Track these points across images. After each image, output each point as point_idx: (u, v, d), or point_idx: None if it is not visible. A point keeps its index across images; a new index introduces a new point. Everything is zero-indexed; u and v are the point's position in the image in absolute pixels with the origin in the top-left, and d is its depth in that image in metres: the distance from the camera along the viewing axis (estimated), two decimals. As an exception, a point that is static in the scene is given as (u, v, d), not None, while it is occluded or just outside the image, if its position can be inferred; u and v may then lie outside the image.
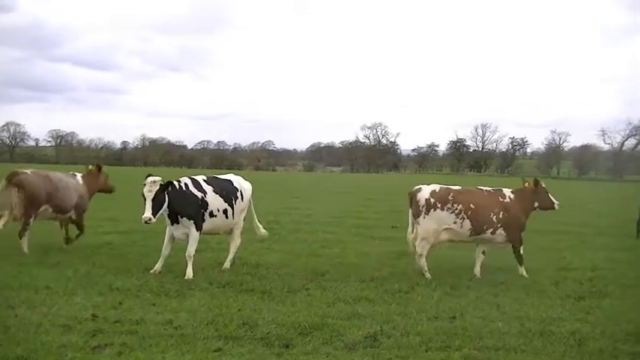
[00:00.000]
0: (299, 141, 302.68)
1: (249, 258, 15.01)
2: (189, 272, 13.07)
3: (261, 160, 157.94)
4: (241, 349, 8.47)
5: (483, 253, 14.70)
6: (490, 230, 14.37)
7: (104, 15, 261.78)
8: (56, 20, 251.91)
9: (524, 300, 11.91)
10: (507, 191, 14.90)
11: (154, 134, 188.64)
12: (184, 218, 13.41)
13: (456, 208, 14.18)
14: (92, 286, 11.69)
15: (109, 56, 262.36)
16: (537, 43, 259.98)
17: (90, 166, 17.46)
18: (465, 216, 14.19)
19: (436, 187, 14.58)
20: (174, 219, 13.35)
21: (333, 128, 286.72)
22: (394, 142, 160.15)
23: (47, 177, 15.62)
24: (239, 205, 14.63)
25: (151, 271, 13.23)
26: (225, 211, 14.16)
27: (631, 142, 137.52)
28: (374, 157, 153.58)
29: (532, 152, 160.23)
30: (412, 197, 14.56)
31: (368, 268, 14.40)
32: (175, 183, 13.34)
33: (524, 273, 14.35)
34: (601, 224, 20.44)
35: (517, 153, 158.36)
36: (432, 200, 14.21)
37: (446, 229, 14.27)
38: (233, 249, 14.63)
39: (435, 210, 14.17)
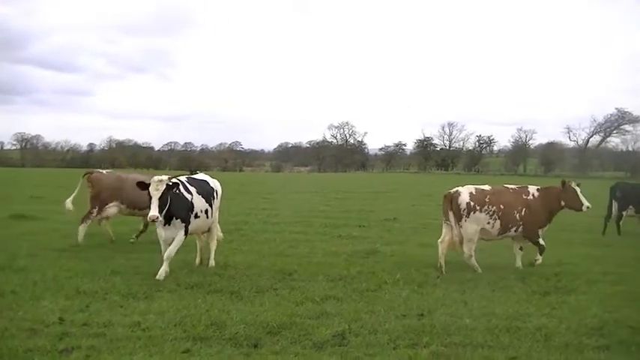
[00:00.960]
0: (266, 141, 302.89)
1: (217, 258, 14.97)
2: (162, 273, 12.98)
3: (229, 160, 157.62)
4: (210, 349, 8.47)
5: (521, 249, 15.19)
6: (514, 228, 14.88)
7: (68, 17, 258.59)
8: (19, 21, 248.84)
9: (491, 296, 12.01)
10: (533, 189, 15.28)
11: (120, 136, 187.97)
12: (178, 220, 13.39)
13: (491, 210, 14.65)
14: (59, 290, 11.59)
15: (73, 58, 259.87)
16: (503, 42, 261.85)
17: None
18: (497, 217, 14.68)
19: (472, 188, 14.95)
20: (167, 220, 13.25)
21: (301, 128, 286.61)
22: (361, 141, 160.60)
23: (119, 177, 17.72)
24: (216, 204, 14.83)
25: (157, 276, 13.02)
26: (206, 212, 14.24)
27: (595, 140, 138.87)
28: (341, 156, 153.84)
29: (499, 150, 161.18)
30: (452, 200, 14.80)
31: (336, 267, 14.43)
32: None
33: (540, 261, 14.98)
34: (566, 220, 20.59)
35: (484, 151, 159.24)
36: (472, 203, 14.60)
37: (481, 229, 14.71)
38: (214, 247, 14.87)
39: (474, 212, 14.57)
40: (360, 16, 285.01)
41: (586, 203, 14.71)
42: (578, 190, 14.87)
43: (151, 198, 12.73)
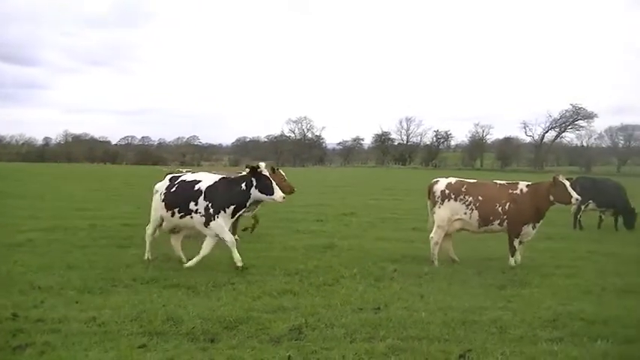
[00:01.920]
0: (224, 135, 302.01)
1: (173, 253, 14.92)
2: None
3: (187, 155, 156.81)
4: (166, 344, 8.44)
5: (520, 242, 15.23)
6: (497, 222, 15.02)
7: (25, 9, 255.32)
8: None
9: (448, 290, 12.14)
10: (523, 184, 15.34)
11: (77, 130, 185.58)
12: None
13: (467, 200, 15.01)
14: (13, 285, 11.50)
15: (30, 51, 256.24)
16: (460, 38, 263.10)
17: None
18: (474, 207, 14.97)
19: (452, 179, 15.50)
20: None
21: (259, 122, 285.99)
22: (320, 135, 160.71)
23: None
24: None
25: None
26: None
27: (551, 135, 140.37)
28: (299, 151, 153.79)
29: (456, 145, 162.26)
30: (430, 189, 15.50)
31: (293, 261, 14.44)
32: None
33: (513, 263, 14.88)
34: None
35: (441, 146, 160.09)
36: (447, 191, 15.16)
37: (457, 219, 15.10)
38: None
39: (448, 200, 15.10)
40: (318, 10, 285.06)
41: (575, 195, 14.82)
42: (567, 183, 14.96)
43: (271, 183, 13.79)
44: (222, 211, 13.75)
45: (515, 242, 14.94)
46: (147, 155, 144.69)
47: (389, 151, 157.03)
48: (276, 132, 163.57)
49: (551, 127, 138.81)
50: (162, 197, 14.13)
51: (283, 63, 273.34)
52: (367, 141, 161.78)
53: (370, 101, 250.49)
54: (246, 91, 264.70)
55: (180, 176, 14.48)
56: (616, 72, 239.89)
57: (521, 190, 15.06)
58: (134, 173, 71.27)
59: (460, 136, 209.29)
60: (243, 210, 14.58)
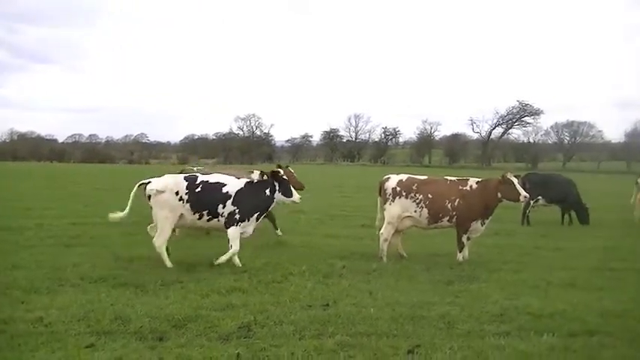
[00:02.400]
0: (172, 133, 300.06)
1: (122, 252, 14.83)
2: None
3: (135, 153, 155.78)
4: (114, 343, 8.36)
5: (468, 238, 15.34)
6: (447, 218, 15.13)
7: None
8: None
9: (396, 286, 12.20)
10: (473, 181, 15.45)
11: (22, 128, 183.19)
12: None
13: (418, 197, 15.07)
14: (-44, 286, 11.30)
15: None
16: (408, 35, 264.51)
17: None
18: (424, 205, 15.05)
19: (403, 176, 15.54)
20: None
21: (207, 120, 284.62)
22: (268, 133, 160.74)
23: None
24: None
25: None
26: None
27: (498, 131, 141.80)
28: (248, 148, 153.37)
29: (404, 142, 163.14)
30: (381, 185, 15.54)
31: (242, 259, 14.33)
32: None
33: (461, 259, 15.03)
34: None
35: (390, 143, 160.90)
36: (398, 189, 15.18)
37: (408, 216, 15.18)
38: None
39: (399, 198, 15.14)
40: (266, 8, 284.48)
41: (523, 193, 14.92)
42: (515, 180, 15.05)
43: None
44: (246, 220, 14.03)
45: (464, 238, 15.07)
46: (94, 153, 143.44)
47: (337, 148, 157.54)
48: (225, 130, 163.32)
49: (498, 124, 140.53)
50: (187, 198, 13.83)
51: (231, 60, 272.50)
52: (316, 138, 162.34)
53: (319, 98, 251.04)
54: (195, 89, 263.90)
55: (195, 176, 14.37)
56: (561, 69, 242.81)
57: (470, 186, 15.19)
58: (81, 172, 70.62)
59: (408, 132, 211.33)
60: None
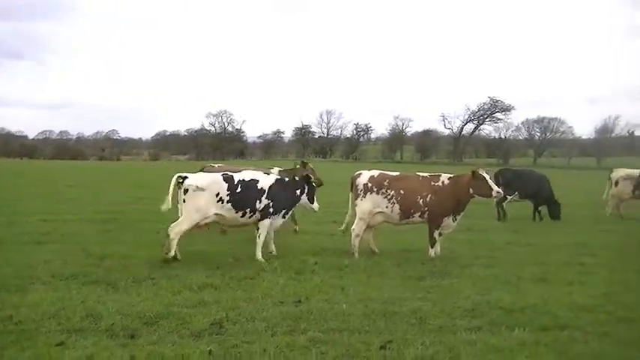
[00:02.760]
0: (144, 129, 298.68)
1: (93, 249, 14.75)
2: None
3: (106, 149, 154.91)
4: (85, 341, 8.31)
5: (440, 234, 15.37)
6: (418, 214, 15.14)
7: None
8: None
9: (368, 282, 12.23)
10: (445, 177, 15.45)
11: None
12: None
13: (389, 193, 15.08)
14: None
15: None
16: (378, 32, 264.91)
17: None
18: (395, 201, 15.06)
19: (375, 172, 15.57)
20: None
21: (179, 116, 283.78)
22: (240, 129, 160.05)
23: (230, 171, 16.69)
24: None
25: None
26: None
27: (469, 127, 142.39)
28: (220, 144, 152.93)
29: (376, 138, 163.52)
30: (352, 181, 15.61)
31: (214, 255, 14.37)
32: None
33: (433, 254, 15.03)
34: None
35: (361, 139, 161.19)
36: (369, 184, 15.21)
37: (379, 212, 15.19)
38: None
39: (370, 193, 15.18)
40: (236, 2, 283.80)
41: (496, 188, 14.94)
42: (487, 176, 15.07)
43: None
44: (279, 213, 14.84)
45: (436, 234, 15.10)
46: (65, 150, 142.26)
47: (309, 144, 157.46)
48: (196, 126, 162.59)
49: (470, 120, 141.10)
50: (227, 199, 14.22)
51: (202, 56, 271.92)
52: (288, 134, 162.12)
53: (290, 94, 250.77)
54: (166, 84, 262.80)
55: (231, 175, 14.66)
56: (532, 66, 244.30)
57: (442, 182, 15.18)
58: (52, 168, 70.13)
59: (380, 129, 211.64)
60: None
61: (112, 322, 9.03)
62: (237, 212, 14.32)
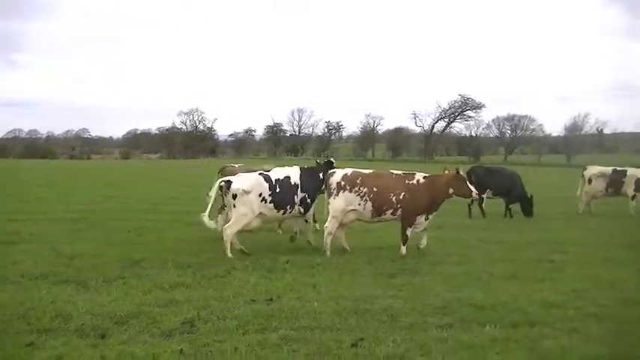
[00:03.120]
0: (115, 128, 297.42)
1: (63, 248, 14.67)
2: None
3: (76, 148, 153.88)
4: (55, 341, 8.26)
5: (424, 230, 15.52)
6: (390, 211, 15.13)
7: None
8: None
9: (339, 280, 12.25)
10: (419, 175, 15.46)
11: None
12: None
13: (362, 191, 15.08)
14: None
15: None
16: (349, 30, 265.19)
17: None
18: (368, 198, 15.04)
19: (348, 170, 15.56)
20: None
21: (150, 114, 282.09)
22: (211, 127, 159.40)
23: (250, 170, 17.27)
24: None
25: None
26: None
27: (440, 125, 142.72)
28: (191, 143, 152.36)
29: (348, 136, 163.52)
30: (326, 180, 15.60)
31: (185, 254, 14.34)
32: None
33: (404, 252, 15.02)
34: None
35: (333, 137, 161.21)
36: (343, 183, 15.18)
37: (352, 209, 15.18)
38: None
39: (343, 192, 15.15)
40: (207, 3, 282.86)
41: (475, 191, 15.07)
42: (466, 178, 15.18)
43: None
44: (315, 199, 15.95)
45: (408, 231, 15.12)
46: (35, 149, 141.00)
47: (281, 143, 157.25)
48: (168, 124, 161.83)
49: (441, 118, 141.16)
50: (270, 199, 14.94)
51: (172, 54, 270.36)
52: (259, 132, 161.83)
53: (262, 92, 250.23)
54: (136, 83, 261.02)
55: (269, 175, 15.35)
56: (502, 63, 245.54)
57: (417, 180, 15.21)
58: (21, 167, 69.61)
59: (351, 126, 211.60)
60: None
61: (82, 322, 8.99)
62: (278, 211, 15.17)
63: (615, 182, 26.58)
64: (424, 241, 15.47)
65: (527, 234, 19.67)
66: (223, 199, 15.44)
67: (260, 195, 14.70)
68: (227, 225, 14.67)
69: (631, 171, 26.70)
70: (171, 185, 40.79)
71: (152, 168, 77.36)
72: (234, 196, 14.62)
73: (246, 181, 14.85)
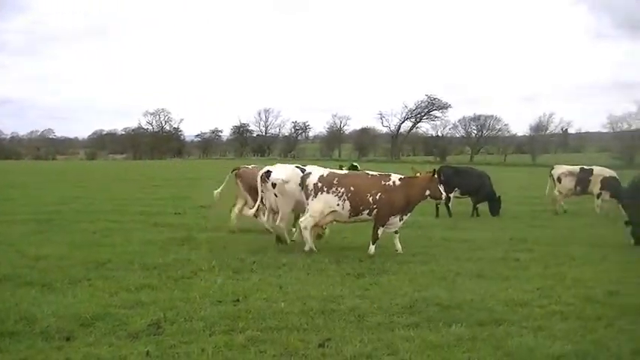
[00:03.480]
0: (80, 129, 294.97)
1: (27, 250, 14.55)
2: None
3: (41, 149, 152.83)
4: (19, 345, 8.15)
5: (396, 232, 15.68)
6: (367, 211, 15.20)
7: None
8: None
9: (306, 280, 12.23)
10: (395, 177, 15.55)
11: None
12: None
13: (339, 191, 15.07)
14: None
15: None
16: (316, 30, 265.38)
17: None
18: (346, 198, 15.04)
19: (325, 171, 15.63)
20: None
21: (116, 115, 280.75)
22: (177, 128, 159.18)
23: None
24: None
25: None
26: None
27: (407, 125, 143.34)
28: (157, 143, 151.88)
29: (314, 136, 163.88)
30: (302, 181, 15.52)
31: (151, 255, 14.26)
32: None
33: (373, 251, 15.16)
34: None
35: (300, 137, 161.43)
36: (320, 184, 15.18)
37: (331, 211, 15.20)
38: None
39: (322, 193, 15.14)
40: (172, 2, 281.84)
41: (444, 194, 15.30)
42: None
43: None
44: None
45: (380, 231, 15.19)
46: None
47: (248, 143, 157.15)
48: (134, 124, 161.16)
49: (407, 118, 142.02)
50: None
51: (140, 54, 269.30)
52: (226, 133, 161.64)
53: (229, 93, 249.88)
54: (102, 83, 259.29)
55: (304, 168, 16.26)
56: (468, 64, 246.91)
57: (393, 182, 15.32)
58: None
59: (318, 127, 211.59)
60: None
61: (47, 325, 8.88)
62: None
63: (582, 181, 26.82)
64: (399, 246, 15.54)
65: (492, 232, 19.79)
66: (262, 191, 16.17)
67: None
68: (278, 221, 16.10)
69: (597, 170, 26.96)
70: (137, 186, 40.58)
71: (118, 169, 76.94)
72: (274, 185, 15.73)
73: (285, 172, 16.00)
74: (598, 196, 26.42)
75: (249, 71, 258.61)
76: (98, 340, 8.42)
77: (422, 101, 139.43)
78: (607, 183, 26.19)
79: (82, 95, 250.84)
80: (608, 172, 26.79)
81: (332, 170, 15.86)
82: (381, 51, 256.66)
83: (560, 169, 27.66)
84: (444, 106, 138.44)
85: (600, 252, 16.28)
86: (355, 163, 16.72)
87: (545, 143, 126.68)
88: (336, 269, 13.28)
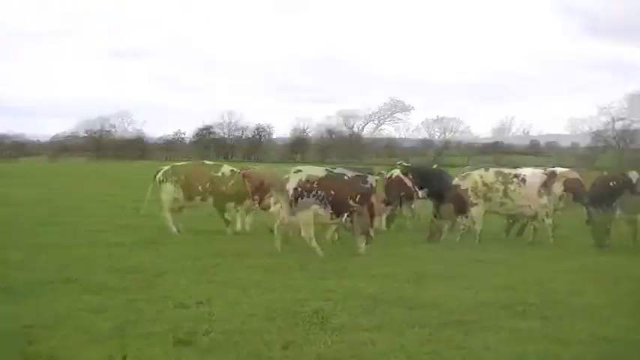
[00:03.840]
0: (42, 131, 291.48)
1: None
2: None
3: (2, 151, 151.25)
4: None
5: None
6: (347, 213, 15.37)
7: None
8: None
9: (270, 282, 12.23)
10: (371, 178, 15.98)
11: None
12: None
13: (320, 195, 15.13)
14: None
15: None
16: (278, 31, 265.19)
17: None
18: (327, 202, 15.15)
19: (303, 175, 15.56)
20: None
21: (78, 117, 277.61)
22: (140, 130, 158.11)
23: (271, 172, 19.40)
24: None
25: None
26: None
27: (370, 127, 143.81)
28: (120, 146, 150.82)
29: (278, 138, 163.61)
30: (282, 185, 15.59)
31: (115, 258, 14.20)
32: None
33: (363, 251, 15.50)
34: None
35: (263, 139, 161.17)
36: (300, 189, 15.21)
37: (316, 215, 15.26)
38: None
39: (301, 198, 15.18)
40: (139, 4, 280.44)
41: (420, 192, 15.57)
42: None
43: None
44: None
45: (363, 231, 15.35)
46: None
47: (211, 145, 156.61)
48: (96, 127, 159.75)
49: (370, 120, 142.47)
50: None
51: (99, 55, 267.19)
52: (189, 135, 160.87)
53: (192, 95, 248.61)
54: (62, 83, 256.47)
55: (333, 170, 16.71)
56: (430, 66, 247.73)
57: (370, 184, 15.42)
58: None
59: (282, 129, 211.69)
60: None
61: (8, 329, 8.82)
62: None
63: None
64: (362, 247, 15.59)
65: (457, 234, 19.89)
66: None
67: None
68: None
69: (559, 171, 27.16)
70: (101, 188, 40.31)
71: (81, 171, 76.41)
72: None
73: (316, 172, 16.00)
74: (560, 197, 26.63)
75: (212, 72, 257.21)
76: (60, 344, 8.36)
77: (385, 104, 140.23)
78: (569, 184, 26.42)
79: (42, 97, 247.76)
80: (571, 174, 27.01)
81: (311, 173, 15.77)
82: (344, 53, 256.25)
83: (523, 172, 27.81)
84: (406, 109, 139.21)
85: (563, 252, 16.48)
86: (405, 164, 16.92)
87: (507, 146, 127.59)
88: (299, 272, 13.32)
